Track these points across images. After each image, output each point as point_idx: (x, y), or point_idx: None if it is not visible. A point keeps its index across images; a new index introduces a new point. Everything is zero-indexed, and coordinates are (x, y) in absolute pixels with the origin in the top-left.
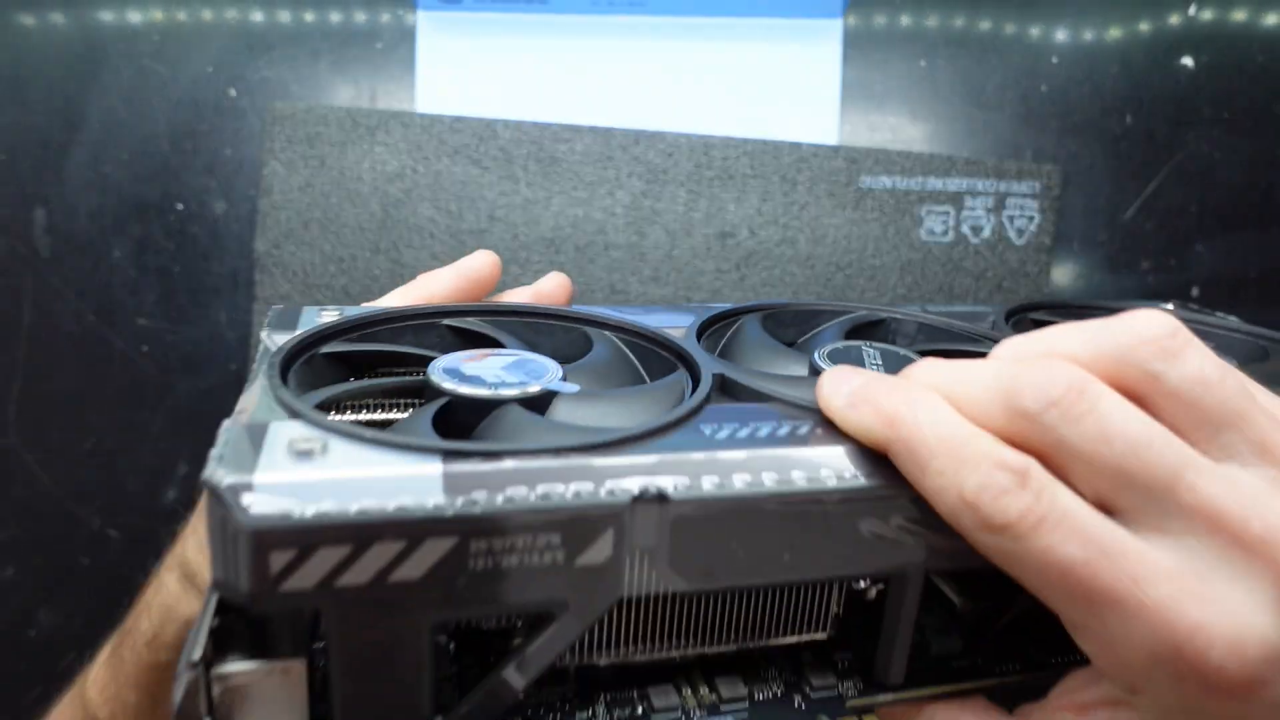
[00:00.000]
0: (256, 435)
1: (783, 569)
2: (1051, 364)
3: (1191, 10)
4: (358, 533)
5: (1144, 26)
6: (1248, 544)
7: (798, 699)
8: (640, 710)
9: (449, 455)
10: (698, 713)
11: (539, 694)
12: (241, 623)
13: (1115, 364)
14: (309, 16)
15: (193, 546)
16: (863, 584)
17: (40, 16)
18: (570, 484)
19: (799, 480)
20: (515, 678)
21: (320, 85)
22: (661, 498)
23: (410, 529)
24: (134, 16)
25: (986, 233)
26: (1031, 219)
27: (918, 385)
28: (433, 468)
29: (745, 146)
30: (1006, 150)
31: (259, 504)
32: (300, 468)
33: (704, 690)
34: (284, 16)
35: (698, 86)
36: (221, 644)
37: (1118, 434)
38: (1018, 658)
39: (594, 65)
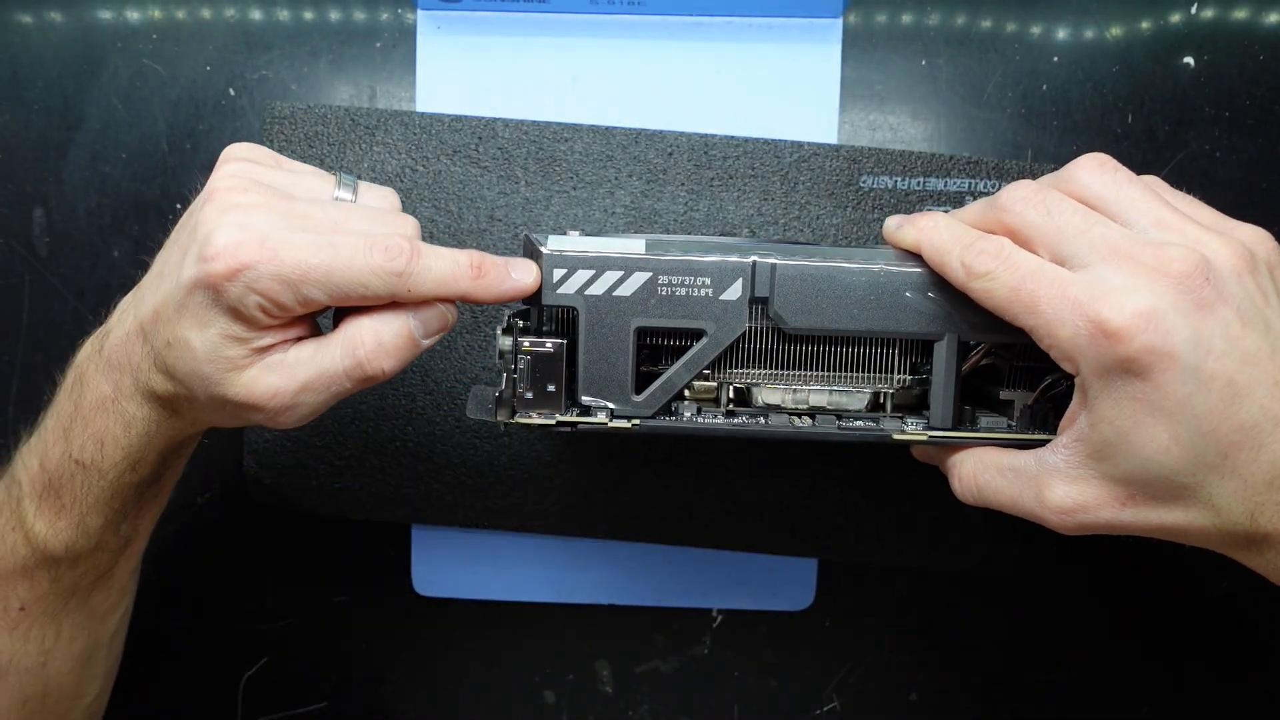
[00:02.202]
0: (551, 234)
1: (852, 320)
2: (1019, 183)
3: (1193, 9)
4: (597, 263)
5: (1145, 25)
6: (1132, 258)
7: (868, 423)
8: (761, 417)
9: (651, 239)
10: (801, 419)
11: (699, 407)
12: (530, 322)
13: (1066, 182)
14: (308, 15)
15: (157, 378)
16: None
17: (38, 15)
18: (722, 253)
19: (861, 263)
20: (680, 374)
21: (319, 84)
22: (773, 265)
23: (625, 264)
24: (132, 15)
25: None
26: None
27: (937, 213)
28: (641, 241)
29: (745, 146)
30: (1007, 150)
31: (549, 246)
32: (571, 240)
33: (805, 418)
34: (283, 15)
35: (698, 86)
36: (521, 331)
37: (1057, 211)
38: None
39: (594, 65)
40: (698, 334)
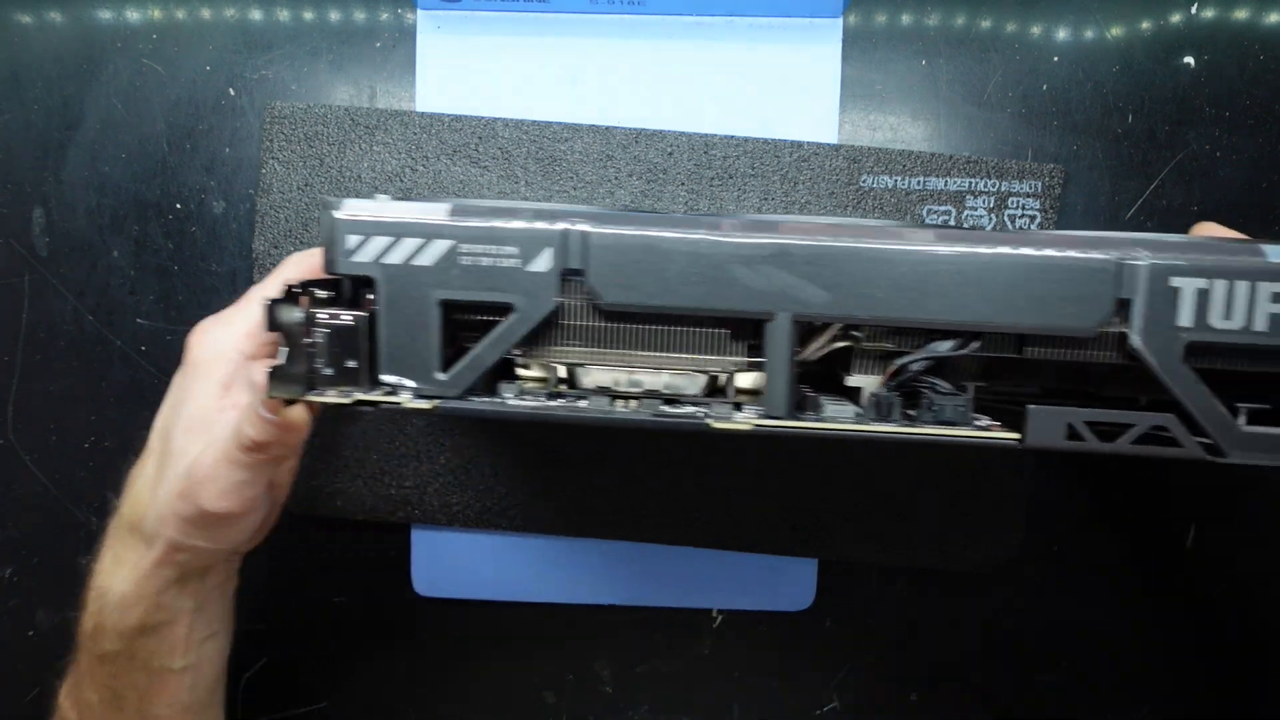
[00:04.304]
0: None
1: (674, 295)
2: None
3: (1193, 9)
4: (394, 229)
5: (1145, 25)
6: None
7: (696, 409)
8: (581, 401)
9: (457, 205)
10: (632, 404)
11: (524, 390)
12: (333, 295)
13: None
14: (308, 15)
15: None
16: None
17: (38, 15)
18: (529, 220)
19: (684, 230)
20: (488, 352)
21: (319, 84)
22: (584, 232)
23: (423, 230)
24: (132, 15)
25: None
26: (1033, 218)
27: None
28: (445, 206)
29: (745, 146)
30: (1008, 149)
31: (343, 211)
32: (370, 203)
33: (627, 403)
34: (283, 15)
35: (698, 86)
36: (322, 303)
37: None
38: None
39: (594, 65)
40: (508, 308)
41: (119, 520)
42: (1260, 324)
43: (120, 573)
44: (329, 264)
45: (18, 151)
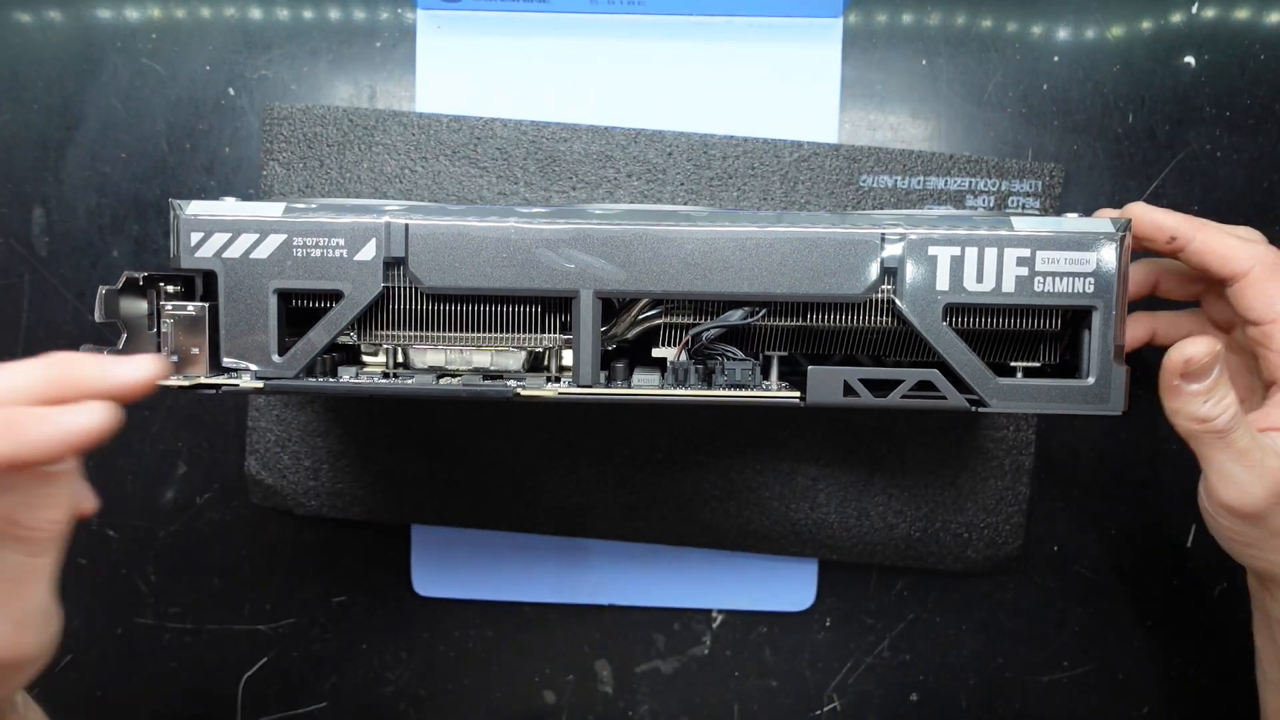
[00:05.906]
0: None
1: (486, 277)
2: None
3: (1194, 9)
4: (233, 226)
5: (1146, 25)
6: None
7: (512, 383)
8: (409, 379)
9: (291, 204)
10: (455, 379)
11: (360, 370)
12: (178, 286)
13: None
14: (308, 15)
15: None
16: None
17: (37, 14)
18: (356, 215)
19: (495, 220)
20: (319, 334)
21: (319, 84)
22: (405, 225)
23: (260, 226)
24: (132, 14)
25: None
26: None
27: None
28: (280, 205)
29: (745, 146)
30: (1008, 149)
31: (187, 210)
32: (215, 204)
33: (448, 379)
34: (282, 15)
35: (698, 86)
36: (169, 296)
37: None
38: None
39: (594, 64)
40: (339, 295)
41: None
42: (1008, 286)
43: None
44: (174, 260)
45: (18, 151)
